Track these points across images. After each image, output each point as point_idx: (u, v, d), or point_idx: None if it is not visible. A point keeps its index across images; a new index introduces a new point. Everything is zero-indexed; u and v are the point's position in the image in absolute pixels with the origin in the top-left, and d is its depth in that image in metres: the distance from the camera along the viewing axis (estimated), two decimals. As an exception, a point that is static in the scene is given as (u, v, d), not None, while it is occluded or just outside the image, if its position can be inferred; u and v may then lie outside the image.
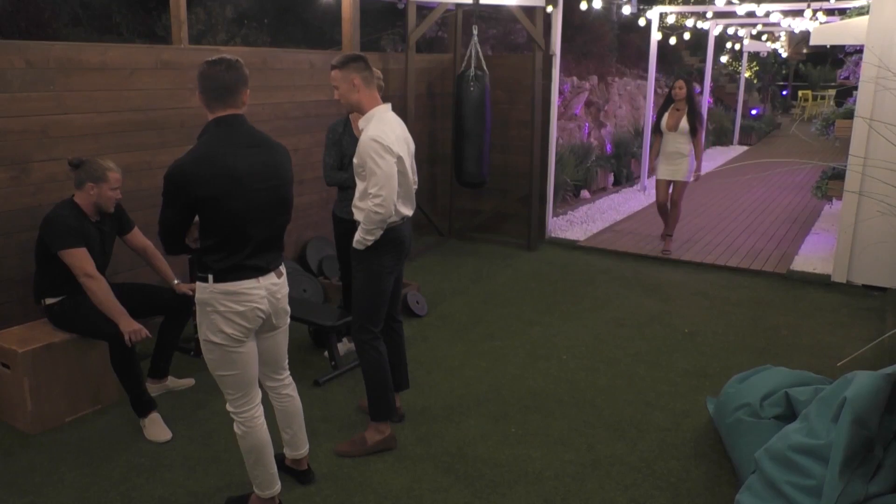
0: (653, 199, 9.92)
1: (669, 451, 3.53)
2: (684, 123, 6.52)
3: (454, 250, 7.14)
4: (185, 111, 4.69)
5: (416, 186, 3.45)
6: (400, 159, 3.17)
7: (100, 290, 3.51)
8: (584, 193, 9.82)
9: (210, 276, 2.62)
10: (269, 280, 2.74)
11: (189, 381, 4.11)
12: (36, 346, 3.53)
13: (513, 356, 4.61)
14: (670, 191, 6.87)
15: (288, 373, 3.05)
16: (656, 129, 6.77)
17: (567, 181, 9.14)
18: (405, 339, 3.76)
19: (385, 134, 3.12)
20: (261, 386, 2.90)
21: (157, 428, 3.56)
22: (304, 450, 3.17)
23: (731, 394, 3.53)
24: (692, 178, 6.73)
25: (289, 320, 2.95)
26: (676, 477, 3.32)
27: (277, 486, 2.91)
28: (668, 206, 6.93)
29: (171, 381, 4.05)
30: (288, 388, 3.05)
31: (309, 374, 4.24)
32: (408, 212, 3.37)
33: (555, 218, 8.42)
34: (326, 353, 4.47)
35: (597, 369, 4.44)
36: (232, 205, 2.57)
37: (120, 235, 3.88)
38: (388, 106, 3.28)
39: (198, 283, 2.66)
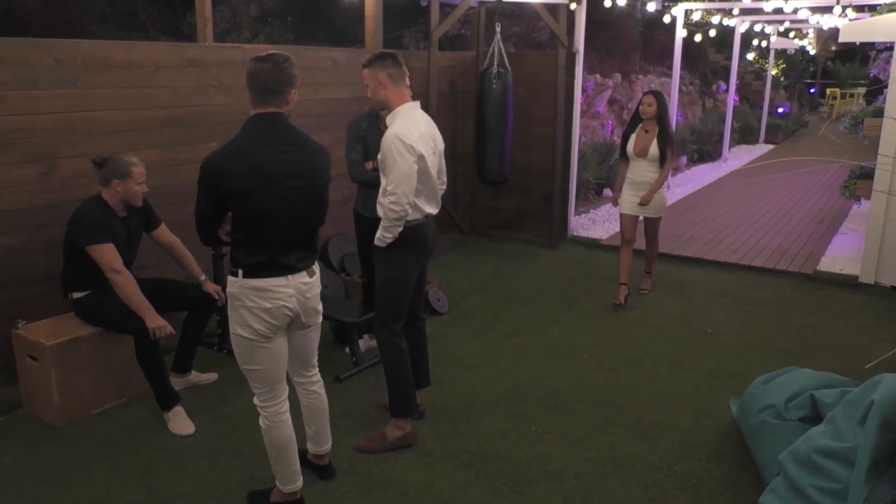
0: (677, 197, 9.86)
1: (691, 451, 3.50)
2: (654, 148, 5.27)
3: (475, 248, 7.13)
4: (209, 108, 4.74)
5: (444, 188, 3.45)
6: (422, 158, 3.17)
7: (126, 285, 3.55)
8: (607, 192, 9.76)
9: (240, 272, 2.65)
10: (299, 279, 2.74)
11: (212, 376, 4.15)
12: (63, 339, 3.59)
13: (533, 354, 4.60)
14: (638, 227, 5.60)
15: (316, 370, 3.07)
16: (622, 154, 5.50)
17: (589, 179, 9.10)
18: (427, 337, 3.77)
19: (409, 131, 3.12)
20: (288, 381, 2.92)
21: (180, 421, 3.60)
22: (327, 446, 3.18)
23: (755, 395, 3.48)
24: (640, 202, 5.40)
25: (320, 319, 2.96)
26: (698, 478, 3.29)
27: (299, 482, 2.93)
28: (632, 243, 5.57)
29: (195, 376, 4.09)
30: (315, 384, 3.07)
31: (330, 370, 4.27)
32: (431, 210, 3.37)
33: (577, 216, 8.38)
34: (348, 350, 4.49)
35: (618, 369, 4.41)
36: (260, 201, 2.58)
37: (147, 231, 3.93)
38: (417, 103, 3.28)
39: (229, 277, 2.70)
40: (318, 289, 2.86)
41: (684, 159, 12.39)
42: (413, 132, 3.14)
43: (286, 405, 2.86)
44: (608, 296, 5.72)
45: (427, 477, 3.25)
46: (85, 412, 3.71)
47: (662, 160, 5.27)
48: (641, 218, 5.56)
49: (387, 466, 3.32)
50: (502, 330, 5.01)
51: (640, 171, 5.37)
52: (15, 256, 3.84)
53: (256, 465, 3.29)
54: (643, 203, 5.34)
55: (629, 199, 5.47)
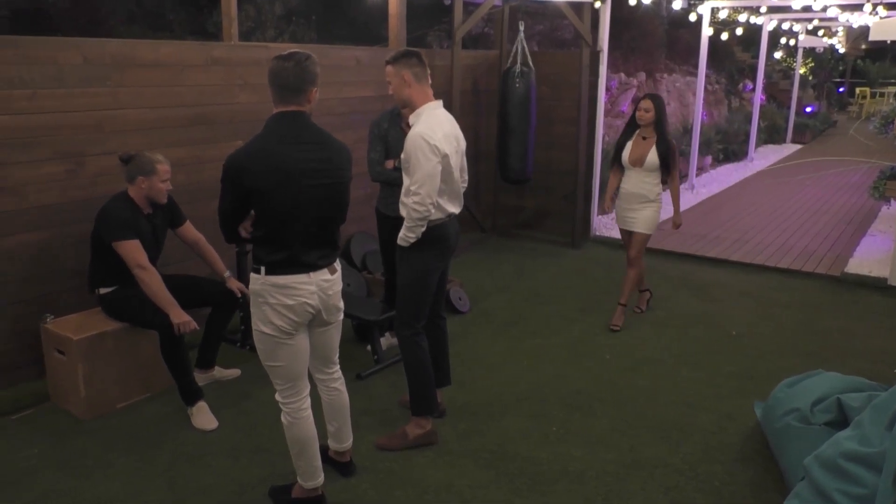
0: (701, 197, 9.76)
1: (713, 454, 3.46)
2: (653, 157, 4.76)
3: (497, 247, 7.12)
4: (234, 107, 4.78)
5: (465, 185, 3.45)
6: (445, 157, 3.17)
7: (151, 280, 3.60)
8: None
9: (262, 269, 2.67)
10: (321, 276, 2.75)
11: (235, 372, 4.19)
12: (90, 333, 3.64)
13: (555, 354, 4.58)
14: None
15: (338, 367, 3.08)
16: (615, 162, 5.01)
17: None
18: (448, 336, 3.77)
19: (433, 131, 3.12)
20: (310, 378, 2.94)
21: (204, 416, 3.64)
22: (348, 443, 3.20)
23: (780, 398, 3.44)
24: (674, 227, 5.08)
25: (342, 316, 2.97)
26: (720, 481, 3.25)
27: (320, 478, 2.95)
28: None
29: (218, 372, 4.13)
30: (337, 381, 3.08)
31: (352, 368, 4.28)
32: (454, 209, 3.37)
33: (599, 216, 8.33)
34: (369, 348, 4.51)
35: (639, 370, 4.38)
36: (280, 199, 2.60)
37: (172, 228, 3.97)
38: (440, 102, 3.28)
39: (252, 274, 2.72)
40: (339, 286, 2.87)
41: (709, 159, 12.26)
42: (437, 132, 3.14)
43: (308, 402, 2.88)
44: (632, 297, 5.67)
45: (447, 476, 3.25)
46: (110, 406, 3.76)
47: (664, 170, 4.82)
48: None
49: (407, 464, 3.32)
50: (524, 329, 5.00)
51: (636, 182, 4.91)
52: (43, 252, 3.91)
53: (278, 461, 3.32)
54: (676, 225, 5.02)
55: (622, 213, 5.04)
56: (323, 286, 2.76)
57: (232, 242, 2.87)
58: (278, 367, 2.79)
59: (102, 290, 3.77)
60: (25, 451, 3.39)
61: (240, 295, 3.97)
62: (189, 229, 4.01)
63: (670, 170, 4.83)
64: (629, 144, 4.89)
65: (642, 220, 4.94)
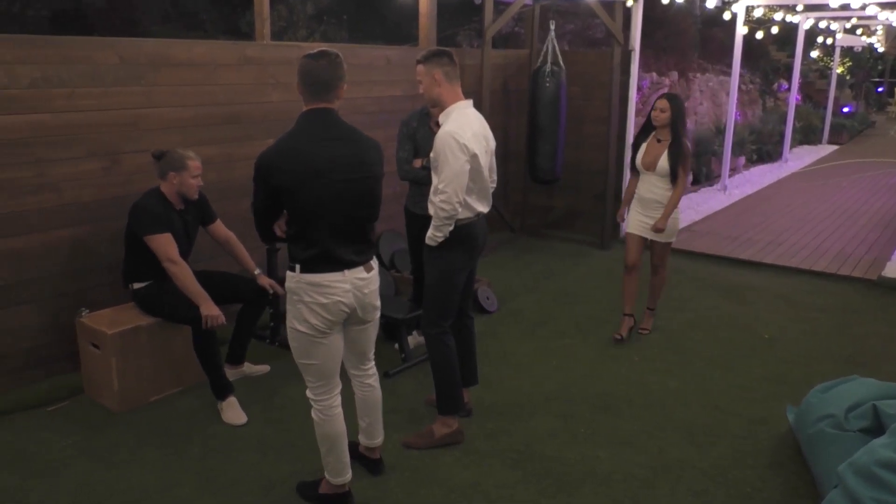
0: (734, 199, 9.62)
1: (744, 459, 3.41)
2: (664, 162, 4.46)
3: (526, 247, 7.10)
4: (266, 105, 4.82)
5: (494, 185, 3.44)
6: (475, 157, 3.16)
7: (182, 274, 3.65)
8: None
9: (297, 266, 2.68)
10: (356, 274, 2.74)
11: (264, 368, 4.24)
12: (124, 328, 3.71)
13: (583, 355, 4.55)
14: (646, 249, 4.81)
15: (373, 363, 3.09)
16: (632, 167, 4.73)
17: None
18: (475, 335, 3.76)
19: (463, 130, 3.12)
20: (344, 374, 2.96)
21: (233, 411, 3.68)
22: (379, 440, 3.20)
23: (813, 403, 3.38)
24: (652, 227, 4.61)
25: (378, 314, 2.95)
26: (751, 486, 3.20)
27: (348, 475, 2.96)
28: (638, 269, 4.82)
29: (248, 367, 4.18)
30: (371, 378, 3.08)
31: (379, 366, 4.26)
32: (482, 209, 3.36)
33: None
34: (397, 346, 4.52)
35: (669, 372, 4.33)
36: (309, 195, 2.61)
37: (203, 226, 4.03)
38: (469, 102, 3.28)
39: (287, 272, 2.74)
40: (375, 284, 2.85)
41: (742, 160, 12.08)
42: (467, 131, 3.14)
43: (339, 399, 2.89)
44: (661, 297, 5.61)
45: (474, 475, 3.25)
46: (143, 399, 3.83)
47: (674, 177, 4.48)
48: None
49: (433, 463, 3.33)
50: (552, 330, 4.98)
51: (648, 187, 4.60)
52: (79, 248, 3.99)
53: (306, 456, 3.34)
54: (656, 230, 4.58)
55: (636, 218, 4.72)
56: (358, 284, 2.74)
57: (267, 242, 2.88)
58: (312, 365, 2.80)
59: (136, 285, 3.84)
60: (61, 442, 3.47)
61: (271, 291, 4.00)
62: (220, 227, 4.06)
63: (676, 175, 4.46)
64: (644, 147, 4.61)
65: (664, 230, 4.63)
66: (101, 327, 3.71)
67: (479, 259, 3.53)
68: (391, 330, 4.65)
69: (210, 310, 3.62)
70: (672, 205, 4.54)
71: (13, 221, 3.70)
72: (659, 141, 4.54)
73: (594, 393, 4.05)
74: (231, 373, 4.04)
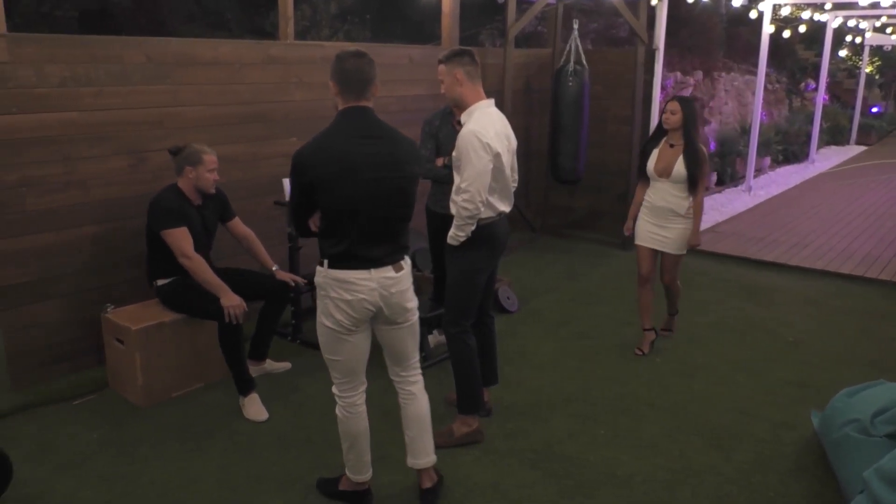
0: (759, 199, 9.51)
1: (768, 463, 3.37)
2: (680, 167, 4.21)
3: (547, 247, 7.07)
4: (289, 104, 4.86)
5: (515, 184, 3.44)
6: (497, 156, 3.16)
7: (197, 268, 3.70)
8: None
9: (325, 262, 2.69)
10: (383, 273, 2.70)
11: (286, 365, 4.27)
12: (148, 324, 3.76)
13: (604, 356, 4.52)
14: (658, 262, 4.53)
15: (416, 370, 2.98)
16: (640, 173, 4.49)
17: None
18: (496, 335, 3.76)
19: (485, 129, 3.11)
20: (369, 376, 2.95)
21: (255, 407, 3.71)
22: (425, 460, 2.98)
23: (839, 408, 3.33)
24: (689, 246, 4.40)
25: (413, 317, 2.87)
26: (775, 491, 3.17)
27: (368, 473, 2.96)
28: (652, 280, 4.56)
29: (269, 364, 4.21)
30: (412, 385, 2.96)
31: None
32: (504, 208, 3.36)
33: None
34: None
35: (692, 374, 4.29)
36: (341, 192, 2.60)
37: (222, 223, 4.07)
38: (491, 101, 3.27)
39: (317, 267, 2.74)
40: (404, 285, 2.78)
41: (768, 160, 11.94)
42: (489, 130, 3.13)
43: (363, 398, 2.89)
44: (683, 300, 5.56)
45: (493, 475, 3.24)
46: (166, 394, 3.87)
47: (692, 184, 4.23)
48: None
49: (453, 463, 3.33)
50: (573, 330, 4.95)
51: (661, 195, 4.33)
52: (106, 244, 4.04)
53: (326, 453, 3.36)
54: (692, 246, 4.39)
55: (646, 229, 4.45)
56: (385, 283, 2.71)
57: (303, 236, 2.87)
58: (337, 360, 2.80)
59: (160, 282, 3.89)
60: (86, 435, 3.52)
61: (293, 284, 4.03)
62: (238, 224, 4.10)
63: (696, 183, 4.23)
64: (655, 152, 4.35)
65: (673, 240, 4.36)
66: (125, 323, 3.76)
67: (500, 259, 3.52)
68: (412, 329, 4.65)
69: (230, 300, 3.66)
70: (699, 215, 4.33)
71: (42, 218, 3.76)
72: (671, 146, 4.29)
73: (615, 394, 4.02)
74: (253, 369, 4.07)
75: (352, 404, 2.85)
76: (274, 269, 4.09)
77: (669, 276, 4.52)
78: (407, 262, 2.80)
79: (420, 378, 2.99)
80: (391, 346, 2.91)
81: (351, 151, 2.61)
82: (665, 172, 4.27)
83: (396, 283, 2.74)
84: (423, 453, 2.98)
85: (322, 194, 2.62)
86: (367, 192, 2.63)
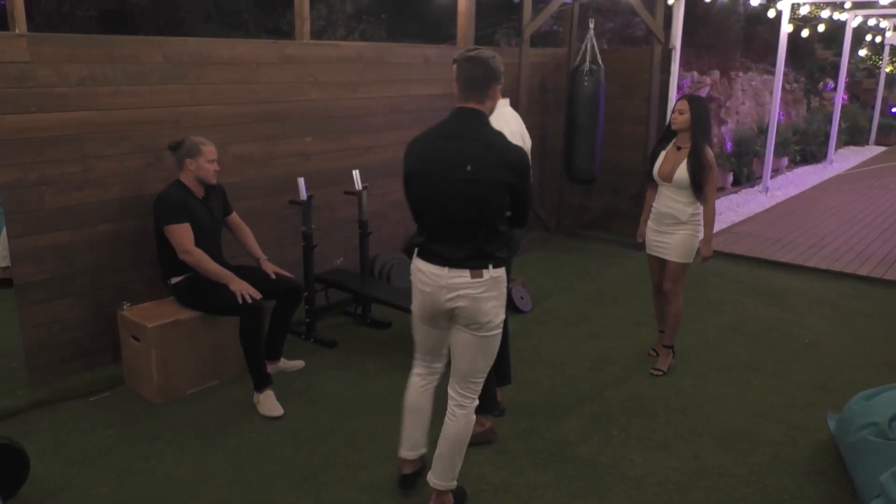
0: (776, 200, 9.43)
1: (783, 466, 3.34)
2: (682, 172, 3.96)
3: (561, 247, 7.05)
4: (304, 104, 4.88)
5: None
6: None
7: (199, 262, 3.75)
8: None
9: (417, 248, 2.79)
10: (458, 275, 2.64)
11: (299, 363, 4.28)
12: (164, 321, 3.79)
13: (617, 357, 4.51)
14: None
15: (469, 397, 2.83)
16: (649, 177, 4.21)
17: (682, 180, 8.81)
18: (510, 335, 3.75)
19: (499, 128, 3.10)
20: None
21: (270, 403, 3.74)
22: (444, 484, 2.87)
23: (856, 411, 3.29)
24: (700, 258, 4.16)
25: (486, 332, 2.72)
26: (790, 494, 3.14)
27: (408, 452, 3.04)
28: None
29: (283, 363, 4.23)
30: (457, 408, 2.82)
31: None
32: None
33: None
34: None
35: (706, 376, 4.26)
36: (418, 187, 2.71)
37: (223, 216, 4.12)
38: (507, 101, 3.29)
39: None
40: (482, 294, 2.65)
41: (785, 160, 11.83)
42: (503, 130, 3.11)
43: (425, 380, 3.01)
44: (699, 301, 5.54)
45: (505, 475, 3.24)
46: (181, 391, 3.90)
47: (695, 190, 3.96)
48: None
49: (465, 463, 3.31)
50: (587, 330, 4.94)
51: (664, 200, 4.10)
52: (123, 242, 4.08)
53: (340, 451, 3.38)
54: (704, 258, 4.14)
55: (650, 237, 4.23)
56: (456, 285, 2.65)
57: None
58: (414, 335, 2.94)
59: (174, 280, 3.92)
60: (102, 431, 3.55)
61: (273, 276, 4.04)
62: (235, 218, 4.18)
63: (699, 189, 3.95)
64: (662, 154, 4.10)
65: (674, 247, 4.08)
66: (141, 320, 3.79)
67: (514, 258, 3.50)
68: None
69: (238, 284, 3.71)
70: (710, 224, 4.05)
71: (60, 216, 3.80)
72: (679, 149, 4.03)
73: (628, 395, 4.01)
74: (267, 368, 4.09)
75: (412, 376, 3.03)
76: (262, 258, 4.12)
77: (669, 283, 4.19)
78: (490, 272, 2.66)
79: (473, 404, 2.85)
80: (455, 353, 2.81)
81: (430, 150, 2.68)
82: (668, 177, 4.04)
83: (470, 288, 2.65)
84: (444, 476, 2.87)
85: (406, 187, 2.78)
86: (437, 191, 2.64)
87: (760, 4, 9.36)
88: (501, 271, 2.72)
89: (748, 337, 4.87)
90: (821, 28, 11.24)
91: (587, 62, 6.33)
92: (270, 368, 4.12)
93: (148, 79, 4.04)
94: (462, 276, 2.65)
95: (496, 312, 2.73)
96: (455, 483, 2.90)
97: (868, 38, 14.66)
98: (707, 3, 9.52)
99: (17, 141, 3.58)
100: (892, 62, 18.13)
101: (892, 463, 2.82)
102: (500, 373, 3.67)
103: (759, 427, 3.68)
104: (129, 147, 4.02)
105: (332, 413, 3.74)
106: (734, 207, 8.91)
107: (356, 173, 4.86)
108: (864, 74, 17.46)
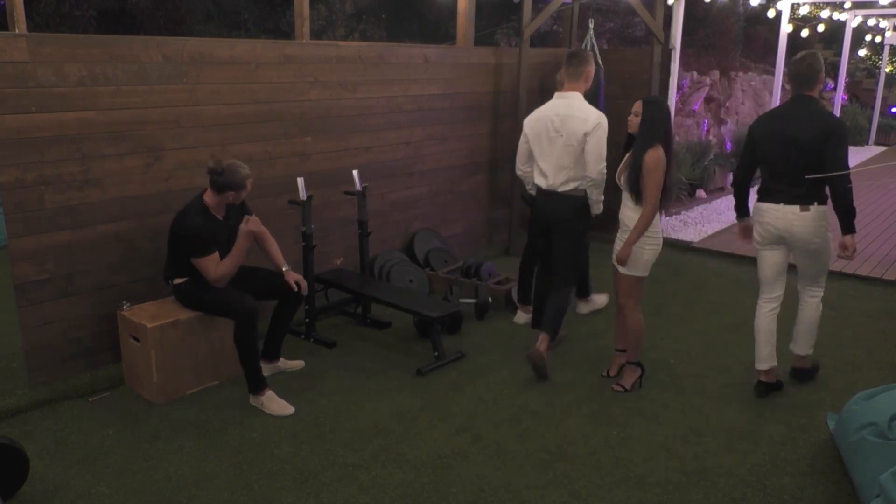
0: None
1: (783, 466, 3.34)
2: (626, 178, 3.84)
3: (561, 247, 7.04)
4: (304, 104, 4.87)
5: (595, 174, 4.23)
6: (525, 136, 4.36)
7: (225, 276, 3.77)
8: (700, 193, 9.45)
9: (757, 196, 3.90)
10: (788, 209, 3.74)
11: (299, 363, 4.28)
12: (164, 321, 3.79)
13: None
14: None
15: (815, 288, 4.02)
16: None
17: (682, 180, 8.82)
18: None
19: (531, 114, 4.33)
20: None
21: (278, 403, 3.74)
22: (796, 349, 4.10)
23: (855, 411, 3.29)
24: (616, 262, 3.96)
25: (814, 247, 3.81)
26: (790, 494, 3.14)
27: (762, 364, 3.95)
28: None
29: (283, 363, 4.23)
30: (809, 298, 4.04)
31: (412, 364, 4.32)
32: (539, 183, 4.37)
33: (668, 218, 8.15)
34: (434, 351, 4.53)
35: (706, 376, 4.26)
36: (760, 148, 3.85)
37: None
38: (562, 93, 4.29)
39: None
40: (808, 223, 3.73)
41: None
42: (532, 115, 4.29)
43: (769, 306, 3.97)
44: (699, 301, 5.54)
45: (505, 475, 3.24)
46: (181, 391, 3.90)
47: (635, 194, 3.76)
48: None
49: (465, 462, 3.33)
50: (586, 331, 4.94)
51: (622, 208, 3.93)
52: (123, 242, 4.08)
53: (338, 451, 3.38)
54: (618, 261, 3.93)
55: (615, 246, 4.03)
56: (788, 216, 3.75)
57: (739, 185, 4.08)
58: (759, 269, 4.00)
59: (176, 281, 3.91)
60: (101, 431, 3.55)
61: (296, 288, 4.02)
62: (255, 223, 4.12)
63: (639, 193, 3.73)
64: (625, 159, 3.92)
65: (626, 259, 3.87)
66: (141, 320, 3.79)
67: (553, 232, 4.32)
68: (424, 328, 4.66)
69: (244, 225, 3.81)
70: (637, 231, 3.75)
71: (60, 216, 3.80)
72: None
73: (628, 396, 4.01)
74: (266, 368, 4.09)
75: (758, 307, 4.01)
76: (284, 268, 4.07)
77: (622, 297, 3.99)
78: (815, 207, 3.74)
79: (818, 294, 4.02)
80: (799, 264, 3.96)
81: (768, 123, 3.85)
82: (619, 181, 3.93)
83: (799, 219, 3.74)
84: (797, 345, 4.11)
85: (755, 147, 3.89)
86: (774, 150, 3.78)
87: (760, 4, 9.36)
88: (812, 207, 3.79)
89: (747, 337, 4.85)
90: (820, 28, 11.25)
91: (587, 62, 6.32)
92: (270, 369, 4.13)
93: (148, 79, 4.04)
94: (792, 209, 3.74)
95: (819, 234, 3.80)
96: (812, 351, 4.12)
97: (868, 38, 14.67)
98: (707, 3, 9.52)
99: (17, 141, 3.58)
100: (892, 62, 18.13)
101: (892, 463, 2.82)
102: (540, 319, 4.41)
103: (759, 427, 3.69)
104: (128, 147, 4.02)
105: (332, 413, 3.74)
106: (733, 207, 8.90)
107: (356, 173, 4.86)
108: (863, 74, 17.46)
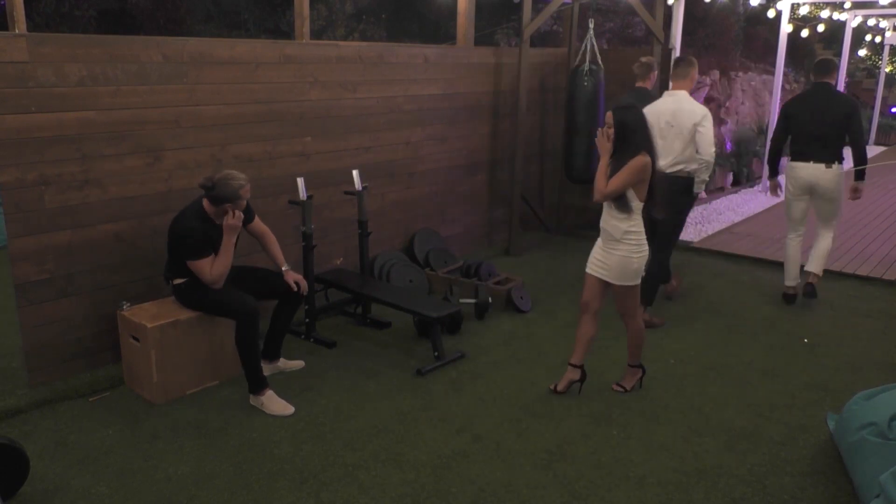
0: (776, 200, 9.40)
1: (783, 466, 3.35)
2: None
3: (561, 247, 7.05)
4: (304, 103, 4.87)
5: (701, 155, 4.81)
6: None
7: (220, 276, 3.76)
8: (700, 193, 9.43)
9: (790, 156, 5.22)
10: (816, 166, 5.16)
11: (299, 363, 4.28)
12: (164, 321, 3.79)
13: (617, 356, 4.50)
14: (605, 292, 3.92)
15: (827, 228, 5.39)
16: None
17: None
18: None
19: (650, 107, 4.90)
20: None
21: (278, 403, 3.74)
22: (813, 269, 5.40)
23: (855, 411, 3.29)
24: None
25: (830, 195, 5.19)
26: (790, 494, 3.14)
27: (789, 282, 5.43)
28: (593, 313, 3.94)
29: (283, 363, 4.23)
30: (822, 233, 5.40)
31: (412, 364, 4.32)
32: (660, 163, 4.20)
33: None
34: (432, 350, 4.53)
35: (706, 376, 4.27)
36: (795, 121, 5.20)
37: (244, 226, 4.07)
38: (671, 91, 4.95)
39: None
40: (830, 177, 5.13)
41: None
42: (650, 108, 4.80)
43: (797, 238, 5.46)
44: (699, 300, 5.54)
45: (505, 475, 3.24)
46: (181, 391, 3.90)
47: (619, 206, 3.65)
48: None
49: (465, 462, 3.33)
50: (586, 331, 4.93)
51: (607, 215, 3.79)
52: (122, 242, 4.08)
53: (338, 451, 3.38)
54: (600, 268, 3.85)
55: (593, 253, 3.90)
56: (815, 173, 5.16)
57: (772, 152, 5.56)
58: (788, 212, 5.43)
59: (177, 281, 3.91)
60: (101, 431, 3.55)
61: (296, 288, 4.02)
62: (258, 224, 4.11)
63: (621, 200, 3.66)
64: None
65: (612, 268, 3.75)
66: (141, 320, 3.79)
67: (671, 209, 4.37)
68: (424, 328, 4.66)
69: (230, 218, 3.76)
70: (601, 173, 3.67)
71: (60, 216, 3.80)
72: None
73: (628, 396, 4.01)
74: (266, 368, 4.08)
75: (787, 239, 5.49)
76: (284, 268, 4.08)
77: (619, 306, 3.90)
78: (836, 165, 5.13)
79: (830, 231, 5.38)
80: (818, 209, 5.33)
81: (801, 101, 5.27)
82: None
83: (824, 173, 5.13)
84: (815, 266, 5.38)
85: (789, 121, 5.27)
86: (806, 121, 5.14)
87: (760, 4, 9.36)
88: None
89: (747, 337, 4.87)
90: (820, 28, 11.24)
91: (587, 62, 6.33)
92: (270, 369, 4.12)
93: (148, 79, 4.04)
94: (819, 167, 5.15)
95: (836, 187, 5.17)
96: (822, 272, 5.41)
97: (868, 38, 14.66)
98: (707, 3, 9.52)
99: (17, 141, 3.58)
100: (892, 62, 18.13)
101: (892, 463, 2.82)
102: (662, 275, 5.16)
103: (759, 427, 3.69)
104: (128, 147, 4.02)
105: (332, 413, 3.74)
106: (734, 207, 8.90)
107: (356, 173, 4.86)
108: (863, 74, 17.46)
